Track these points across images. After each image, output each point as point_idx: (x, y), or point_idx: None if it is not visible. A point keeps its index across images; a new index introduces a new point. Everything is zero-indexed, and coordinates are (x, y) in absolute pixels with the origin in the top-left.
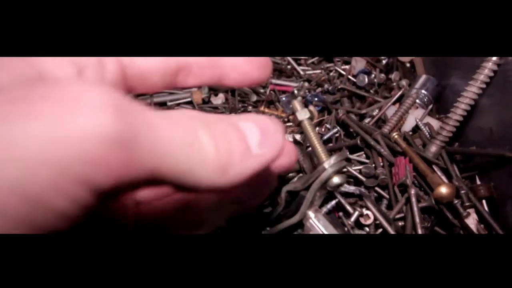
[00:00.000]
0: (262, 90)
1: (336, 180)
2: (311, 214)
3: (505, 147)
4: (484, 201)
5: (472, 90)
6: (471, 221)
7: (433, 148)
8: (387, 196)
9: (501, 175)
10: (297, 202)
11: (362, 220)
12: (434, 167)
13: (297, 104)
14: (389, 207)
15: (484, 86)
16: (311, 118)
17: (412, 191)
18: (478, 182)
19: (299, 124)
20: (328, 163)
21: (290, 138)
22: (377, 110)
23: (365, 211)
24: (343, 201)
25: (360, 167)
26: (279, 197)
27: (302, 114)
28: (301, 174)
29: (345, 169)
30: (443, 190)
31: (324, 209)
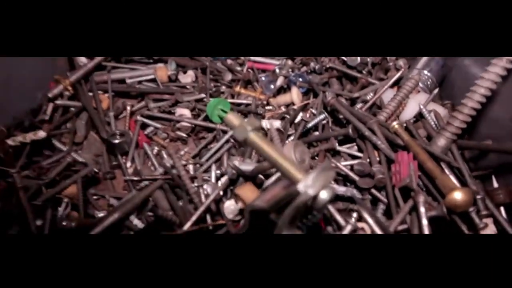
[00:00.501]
0: (238, 68)
1: (324, 196)
2: None
3: None
4: (502, 208)
5: (494, 71)
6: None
7: (441, 142)
8: (385, 200)
9: None
10: (265, 227)
11: None
12: (442, 164)
13: (232, 117)
14: (387, 212)
15: (510, 66)
16: (258, 129)
17: (421, 199)
18: (495, 185)
19: (241, 143)
20: (304, 184)
21: (268, 125)
22: (371, 94)
23: (359, 224)
24: (331, 209)
25: (352, 162)
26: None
27: (241, 131)
28: (272, 178)
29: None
30: (458, 196)
31: (305, 222)
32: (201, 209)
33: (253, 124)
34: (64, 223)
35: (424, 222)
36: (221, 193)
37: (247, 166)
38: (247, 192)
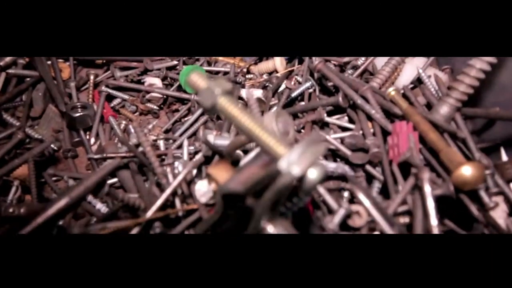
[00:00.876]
0: None
1: (312, 176)
2: (269, 229)
3: None
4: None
5: None
6: (500, 214)
7: (444, 109)
8: (381, 177)
9: None
10: (242, 213)
11: (350, 221)
12: (445, 136)
13: (196, 78)
14: (384, 191)
15: None
16: (229, 92)
17: (426, 175)
18: (504, 158)
19: (210, 111)
20: (288, 161)
21: (243, 93)
22: (362, 59)
23: (354, 207)
24: (321, 190)
25: (343, 134)
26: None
27: (208, 95)
28: (251, 154)
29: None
30: (467, 171)
31: (290, 207)
32: (167, 192)
33: (222, 86)
34: (10, 210)
35: (430, 203)
36: (194, 172)
37: (223, 140)
38: (221, 171)
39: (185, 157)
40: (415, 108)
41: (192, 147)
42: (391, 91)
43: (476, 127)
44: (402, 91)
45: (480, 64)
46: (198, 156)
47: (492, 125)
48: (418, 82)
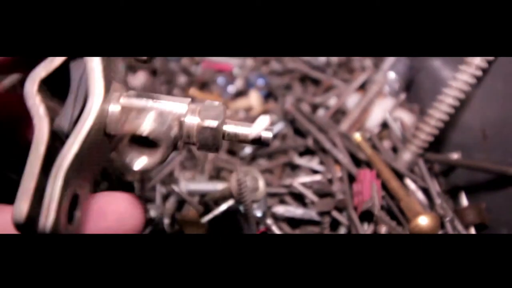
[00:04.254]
0: (193, 69)
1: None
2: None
3: (503, 157)
4: (472, 229)
5: (462, 78)
6: None
7: (407, 156)
8: (347, 223)
9: (495, 195)
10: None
11: None
12: (409, 180)
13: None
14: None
15: (479, 73)
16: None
17: (383, 230)
18: (465, 203)
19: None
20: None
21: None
22: (335, 99)
23: None
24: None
25: (312, 178)
26: None
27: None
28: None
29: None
30: (423, 222)
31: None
32: None
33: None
34: None
35: None
36: (166, 221)
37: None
38: (192, 228)
39: (158, 200)
40: (379, 155)
41: (164, 189)
42: (358, 136)
43: (443, 168)
44: (368, 135)
45: (438, 114)
46: (172, 200)
47: (456, 168)
48: (386, 124)
